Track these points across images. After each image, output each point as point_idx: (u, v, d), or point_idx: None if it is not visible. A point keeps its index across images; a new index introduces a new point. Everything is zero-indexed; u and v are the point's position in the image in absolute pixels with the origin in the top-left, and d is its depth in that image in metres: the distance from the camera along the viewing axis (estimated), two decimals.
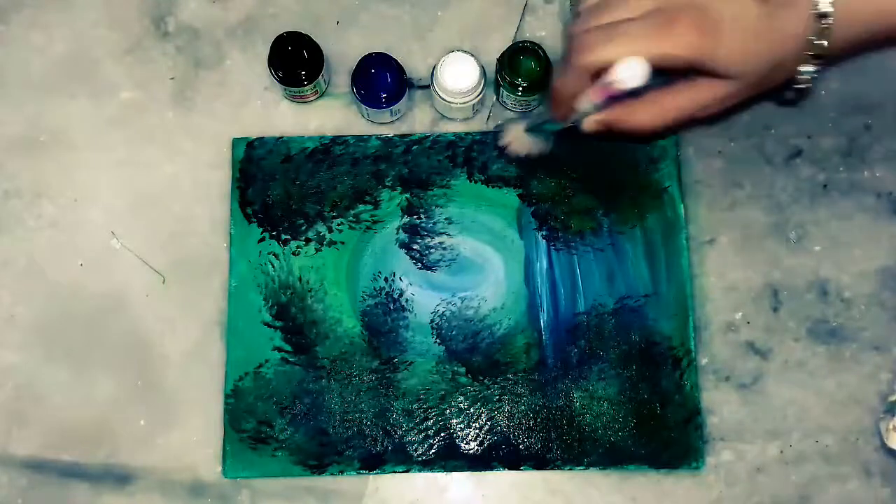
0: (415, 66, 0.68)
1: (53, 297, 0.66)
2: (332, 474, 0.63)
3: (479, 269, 0.66)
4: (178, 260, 0.66)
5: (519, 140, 0.63)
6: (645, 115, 0.51)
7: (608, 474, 0.63)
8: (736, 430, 0.64)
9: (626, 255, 0.65)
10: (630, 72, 0.47)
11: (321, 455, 0.63)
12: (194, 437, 0.64)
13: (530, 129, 0.62)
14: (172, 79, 0.69)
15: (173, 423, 0.64)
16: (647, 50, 0.47)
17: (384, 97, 0.64)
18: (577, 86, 0.51)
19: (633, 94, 0.51)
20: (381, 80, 0.64)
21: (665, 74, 0.51)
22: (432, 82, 0.65)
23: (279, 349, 0.64)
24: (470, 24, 0.69)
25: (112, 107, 0.68)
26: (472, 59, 0.64)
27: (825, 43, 0.49)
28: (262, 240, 0.66)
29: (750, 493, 0.63)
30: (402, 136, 0.67)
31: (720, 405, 0.64)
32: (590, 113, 0.54)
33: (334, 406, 0.64)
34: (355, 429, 0.63)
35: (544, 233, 0.66)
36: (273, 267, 0.65)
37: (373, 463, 0.63)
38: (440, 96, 0.65)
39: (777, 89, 0.52)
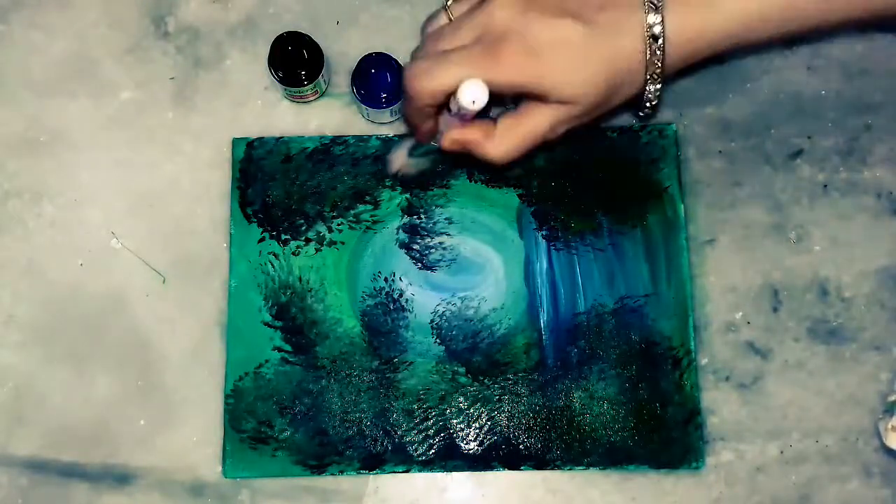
0: None
1: (53, 297, 0.66)
2: (332, 474, 0.63)
3: (479, 269, 0.66)
4: (178, 260, 0.66)
5: (406, 165, 0.64)
6: (500, 145, 0.52)
7: (608, 474, 0.63)
8: (736, 430, 0.64)
9: (626, 255, 0.65)
10: (473, 95, 0.48)
11: (321, 455, 0.63)
12: (194, 437, 0.64)
13: (412, 154, 0.63)
14: (172, 79, 0.69)
15: (173, 423, 0.64)
16: (475, 76, 0.48)
17: (384, 97, 0.64)
18: (420, 111, 0.52)
19: (484, 114, 0.52)
20: (381, 80, 0.64)
21: (505, 102, 0.53)
22: None
23: (279, 349, 0.64)
24: None
25: (112, 107, 0.68)
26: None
27: (659, 64, 0.49)
28: (262, 240, 0.66)
29: (750, 493, 0.63)
30: (402, 136, 0.67)
31: (720, 405, 0.64)
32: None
33: (334, 406, 0.64)
34: (355, 429, 0.63)
35: (544, 233, 0.66)
36: (273, 267, 0.65)
37: (373, 463, 0.63)
38: None
39: (629, 107, 0.53)
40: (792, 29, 0.50)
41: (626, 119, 0.68)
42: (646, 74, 0.50)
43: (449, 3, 0.54)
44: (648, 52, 0.48)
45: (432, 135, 0.56)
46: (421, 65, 0.51)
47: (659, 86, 0.50)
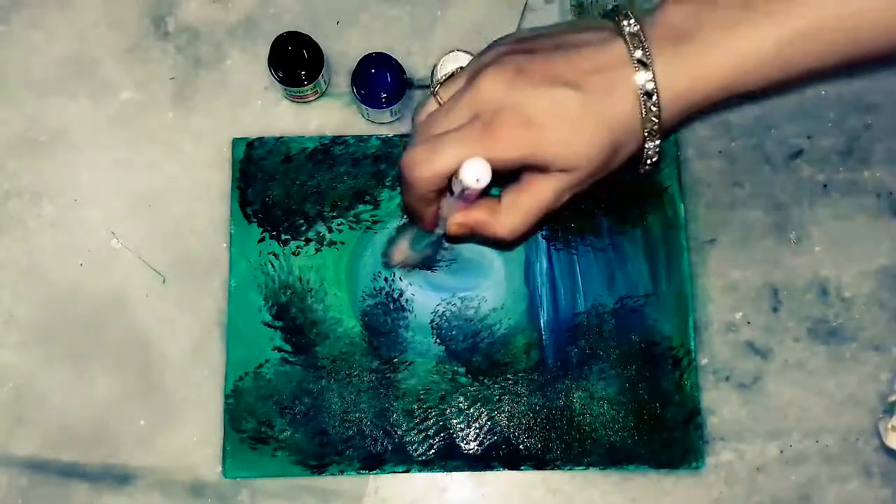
0: (415, 66, 0.68)
1: (53, 297, 0.66)
2: (332, 474, 0.63)
3: (479, 269, 0.66)
4: (178, 260, 0.66)
5: (408, 258, 0.63)
6: (507, 222, 0.51)
7: (608, 474, 0.63)
8: (736, 430, 0.64)
9: (626, 255, 0.65)
10: (477, 174, 0.47)
11: (321, 455, 0.63)
12: (194, 437, 0.64)
13: (413, 247, 0.62)
14: (172, 79, 0.69)
15: (173, 423, 0.64)
16: (475, 156, 0.47)
17: (384, 97, 0.64)
18: (422, 199, 0.51)
19: (485, 193, 0.51)
20: (381, 80, 0.64)
21: (506, 179, 0.51)
22: (432, 82, 0.65)
23: (279, 349, 0.64)
24: (470, 24, 0.69)
25: (112, 107, 0.68)
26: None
27: (656, 120, 0.48)
28: (262, 240, 0.66)
29: (750, 493, 0.63)
30: (402, 136, 0.67)
31: (720, 405, 0.64)
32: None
33: (334, 406, 0.64)
34: (355, 429, 0.63)
35: (544, 233, 0.66)
36: (273, 267, 0.65)
37: (373, 463, 0.63)
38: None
39: (630, 165, 0.52)
40: (789, 74, 0.48)
41: None
42: (643, 132, 0.49)
43: (436, 88, 0.53)
44: (643, 109, 0.48)
45: (436, 222, 0.54)
46: (417, 151, 0.49)
47: (658, 142, 0.50)
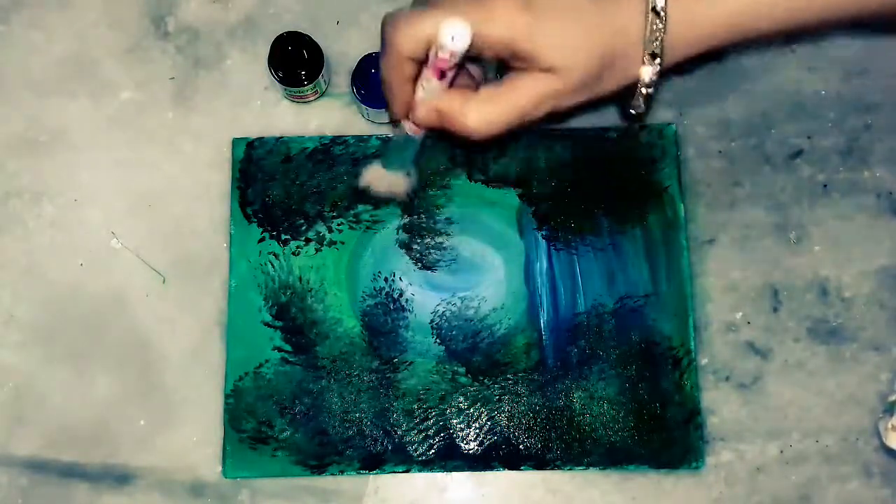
0: None
1: (53, 297, 0.66)
2: (332, 474, 0.63)
3: (479, 269, 0.66)
4: (178, 260, 0.66)
5: (378, 178, 0.60)
6: (480, 115, 0.48)
7: (608, 474, 0.63)
8: (736, 430, 0.64)
9: (627, 255, 0.65)
10: (454, 31, 0.44)
11: (321, 455, 0.63)
12: (194, 437, 0.64)
13: (386, 163, 0.59)
14: (172, 79, 0.69)
15: (173, 423, 0.64)
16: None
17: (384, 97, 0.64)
18: (398, 67, 0.48)
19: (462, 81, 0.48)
20: (380, 80, 0.64)
21: (486, 66, 0.49)
22: None
23: (279, 349, 0.64)
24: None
25: (112, 107, 0.68)
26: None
27: (658, 43, 0.46)
28: (262, 240, 0.66)
29: (750, 493, 0.63)
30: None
31: (720, 405, 0.64)
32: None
33: (334, 406, 0.64)
34: (355, 429, 0.63)
35: (544, 233, 0.66)
36: (273, 267, 0.65)
37: (373, 463, 0.63)
38: None
39: (618, 98, 0.49)
40: (798, 21, 0.47)
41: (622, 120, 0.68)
42: (643, 55, 0.46)
43: None
44: (648, 29, 0.45)
45: (408, 105, 0.51)
46: (404, 11, 0.46)
47: (657, 69, 0.47)
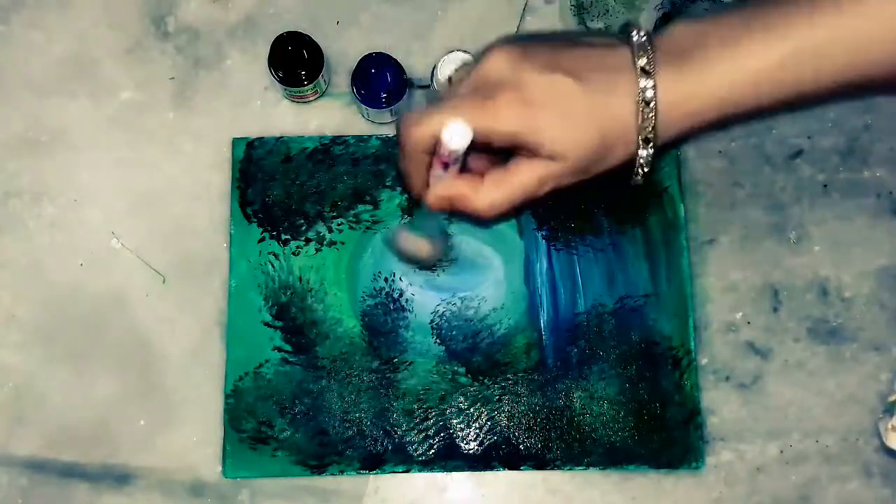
0: (415, 66, 0.68)
1: (53, 297, 0.66)
2: (332, 474, 0.63)
3: (479, 269, 0.66)
4: (178, 260, 0.66)
5: (405, 241, 0.61)
6: (486, 197, 0.52)
7: (608, 474, 0.63)
8: (736, 430, 0.64)
9: (626, 255, 0.65)
10: (453, 132, 0.48)
11: (321, 455, 0.63)
12: (194, 437, 0.64)
13: (412, 227, 0.61)
14: (172, 79, 0.69)
15: (173, 423, 0.64)
16: (468, 122, 0.48)
17: (384, 97, 0.64)
18: (413, 159, 0.52)
19: (468, 170, 0.52)
20: (381, 80, 0.64)
21: (496, 154, 0.52)
22: (432, 82, 0.65)
23: (279, 349, 0.64)
24: (470, 24, 0.69)
25: (112, 107, 0.68)
26: (472, 58, 0.64)
27: (650, 128, 0.49)
28: (262, 240, 0.66)
29: (750, 493, 0.63)
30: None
31: (720, 405, 0.64)
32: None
33: (334, 406, 0.64)
34: (355, 429, 0.63)
35: (544, 233, 0.66)
36: (273, 267, 0.65)
37: (373, 463, 0.63)
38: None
39: (618, 173, 0.52)
40: (786, 97, 0.49)
41: None
42: (637, 139, 0.50)
43: (451, 75, 0.56)
44: (641, 116, 0.49)
45: (424, 188, 0.55)
46: (416, 113, 0.51)
47: (651, 151, 0.50)
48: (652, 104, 0.48)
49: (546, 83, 0.48)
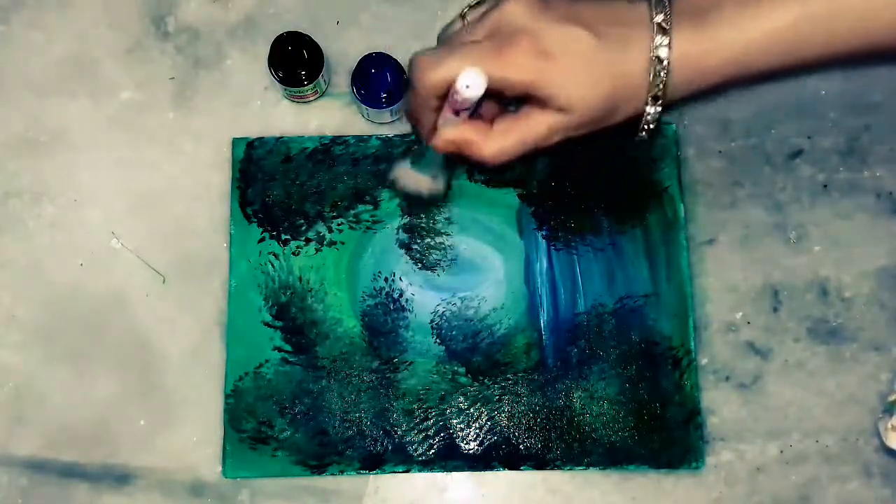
0: None
1: (53, 297, 0.66)
2: (332, 474, 0.63)
3: (479, 269, 0.66)
4: (178, 260, 0.66)
5: (406, 176, 0.61)
6: (494, 144, 0.52)
7: (608, 474, 0.63)
8: (736, 430, 0.64)
9: (626, 255, 0.65)
10: (469, 80, 0.48)
11: (321, 455, 0.63)
12: (194, 437, 0.64)
13: (414, 164, 0.60)
14: (172, 79, 0.69)
15: (173, 423, 0.64)
16: (483, 70, 0.49)
17: (384, 97, 0.64)
18: (424, 104, 0.52)
19: (478, 115, 0.52)
20: (381, 80, 0.64)
21: (505, 103, 0.53)
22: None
23: (279, 349, 0.64)
24: None
25: (112, 107, 0.68)
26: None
27: (661, 86, 0.50)
28: (262, 240, 0.66)
29: (750, 493, 0.63)
30: (402, 136, 0.67)
31: (720, 405, 0.64)
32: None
33: (334, 406, 0.64)
34: (355, 429, 0.63)
35: (544, 233, 0.66)
36: (273, 267, 0.65)
37: (373, 463, 0.63)
38: None
39: (625, 128, 0.53)
40: (796, 59, 0.50)
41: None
42: (647, 95, 0.50)
43: (465, 9, 0.54)
44: (652, 72, 0.49)
45: (432, 133, 0.55)
46: (428, 55, 0.51)
47: (659, 109, 0.51)
48: (665, 62, 0.49)
49: (563, 35, 0.49)
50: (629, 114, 0.51)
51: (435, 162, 0.58)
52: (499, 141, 0.52)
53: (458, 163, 0.63)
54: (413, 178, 0.60)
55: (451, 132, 0.52)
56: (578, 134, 0.52)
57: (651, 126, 0.52)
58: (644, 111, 0.51)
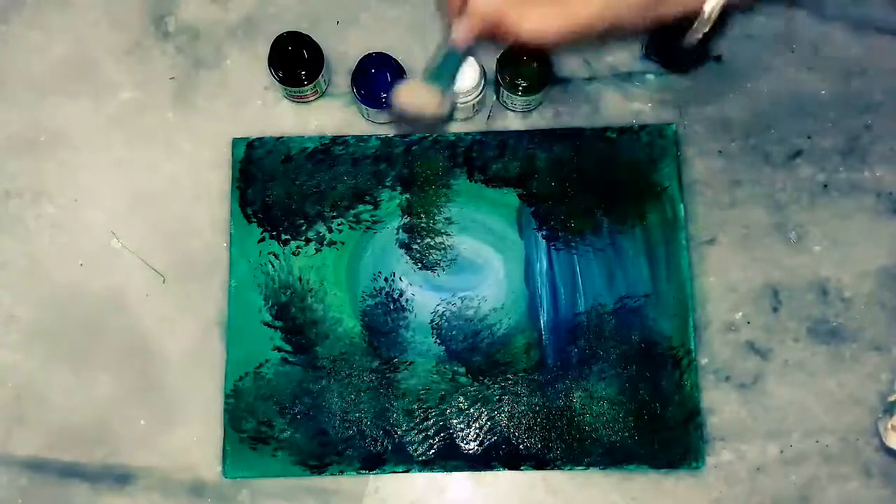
0: (415, 66, 0.68)
1: (53, 297, 0.66)
2: (332, 474, 0.63)
3: (479, 269, 0.66)
4: (178, 260, 0.66)
5: (412, 94, 0.55)
6: (537, 17, 0.47)
7: (608, 474, 0.63)
8: (736, 430, 0.64)
9: (626, 255, 0.65)
10: None
11: (321, 455, 0.63)
12: (194, 437, 0.64)
13: (427, 72, 0.54)
14: (172, 79, 0.69)
15: (173, 423, 0.64)
16: None
17: (384, 97, 0.64)
18: None
19: None
20: (381, 80, 0.64)
21: None
22: None
23: (279, 349, 0.64)
24: None
25: (112, 107, 0.68)
26: (471, 59, 0.64)
27: None
28: (262, 240, 0.66)
29: (750, 493, 0.63)
30: (403, 136, 0.67)
31: (720, 405, 0.64)
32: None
33: (334, 406, 0.64)
34: (355, 429, 0.63)
35: (544, 233, 0.66)
36: (273, 267, 0.65)
37: (373, 463, 0.63)
38: None
39: (674, 30, 0.49)
40: None
41: (626, 118, 0.68)
42: None
43: None
44: None
45: (460, 8, 0.51)
46: None
47: (721, 2, 0.47)
48: None
49: None
50: (679, 9, 0.48)
51: (448, 68, 0.53)
52: (544, 14, 0.47)
53: (493, 44, 0.55)
54: (418, 94, 0.55)
55: (486, 4, 0.48)
56: (629, 21, 0.48)
57: (709, 24, 0.48)
58: (701, 8, 0.47)
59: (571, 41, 0.48)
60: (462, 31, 0.49)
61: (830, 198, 0.67)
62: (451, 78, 0.54)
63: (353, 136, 0.67)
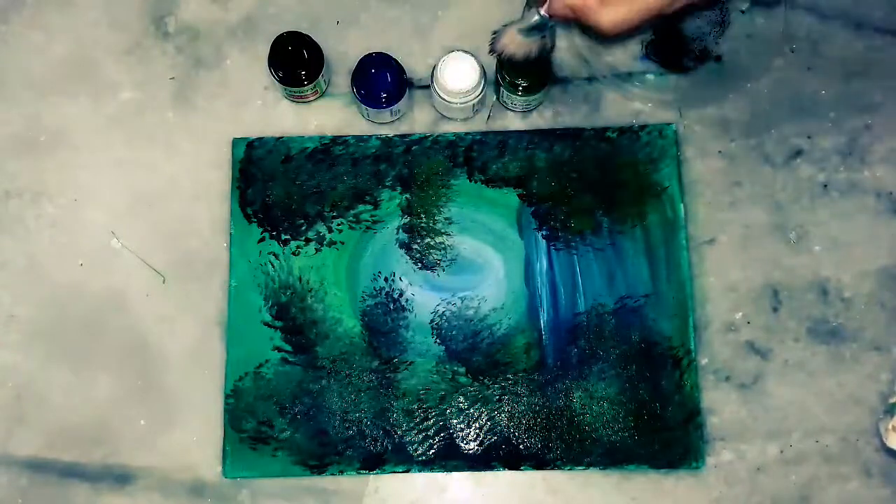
0: (415, 66, 0.68)
1: (53, 297, 0.66)
2: (332, 474, 0.63)
3: (479, 269, 0.66)
4: (178, 260, 0.66)
5: (514, 42, 0.59)
6: (613, 12, 0.52)
7: (608, 474, 0.63)
8: (736, 430, 0.64)
9: (626, 255, 0.65)
10: None
11: (321, 455, 0.63)
12: (194, 437, 0.64)
13: (523, 31, 0.59)
14: (172, 79, 0.69)
15: (173, 423, 0.64)
16: None
17: (384, 97, 0.64)
18: None
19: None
20: (381, 80, 0.64)
21: None
22: (432, 82, 0.65)
23: (279, 349, 0.64)
24: (470, 24, 0.69)
25: (112, 107, 0.68)
26: (472, 59, 0.64)
27: None
28: (262, 240, 0.66)
29: (750, 493, 0.63)
30: (402, 136, 0.67)
31: (720, 405, 0.64)
32: None
33: (334, 406, 0.64)
34: (355, 429, 0.63)
35: (544, 233, 0.66)
36: (273, 267, 0.65)
37: (373, 463, 0.63)
38: (440, 96, 0.65)
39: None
40: None
41: (626, 118, 0.68)
42: None
43: None
44: None
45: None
46: None
47: None
48: None
49: None
50: None
51: (544, 30, 0.58)
52: (620, 7, 0.52)
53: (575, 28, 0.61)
54: (521, 42, 0.59)
55: None
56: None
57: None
58: None
59: (647, 24, 0.54)
60: (552, 9, 0.54)
61: (830, 198, 0.67)
62: (548, 34, 0.59)
63: (353, 136, 0.67)
